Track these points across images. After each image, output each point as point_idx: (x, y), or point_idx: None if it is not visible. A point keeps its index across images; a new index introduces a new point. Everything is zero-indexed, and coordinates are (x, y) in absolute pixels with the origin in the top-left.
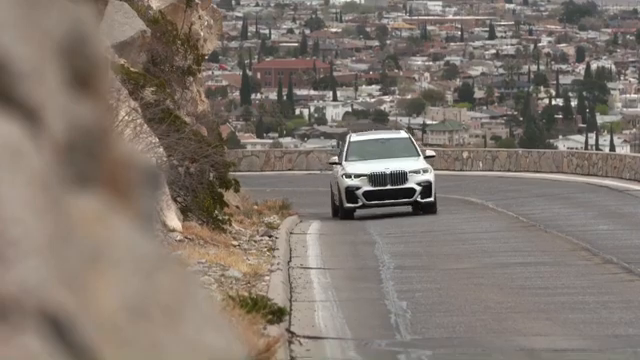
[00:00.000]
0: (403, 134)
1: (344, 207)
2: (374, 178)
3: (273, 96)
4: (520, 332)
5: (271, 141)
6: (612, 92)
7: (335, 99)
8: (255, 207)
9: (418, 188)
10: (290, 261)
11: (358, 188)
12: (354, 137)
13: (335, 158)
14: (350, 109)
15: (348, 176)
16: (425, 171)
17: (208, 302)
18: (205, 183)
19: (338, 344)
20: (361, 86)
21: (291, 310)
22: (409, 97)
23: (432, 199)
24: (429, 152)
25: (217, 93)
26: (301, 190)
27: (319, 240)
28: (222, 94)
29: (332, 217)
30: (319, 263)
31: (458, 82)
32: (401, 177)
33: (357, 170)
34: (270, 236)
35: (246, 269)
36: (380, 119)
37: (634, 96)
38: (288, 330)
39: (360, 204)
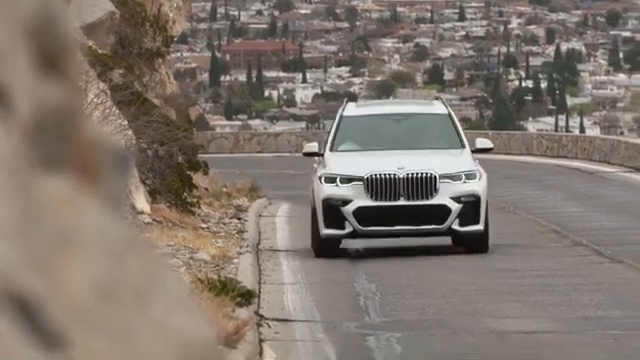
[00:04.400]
0: (438, 107)
1: (320, 235)
2: (376, 185)
3: (242, 78)
4: (490, 314)
5: (240, 123)
6: (582, 74)
7: (304, 81)
8: (224, 189)
9: (455, 206)
10: (259, 244)
11: (346, 202)
12: (351, 109)
13: (313, 145)
14: (320, 91)
15: (330, 179)
16: (471, 176)
17: (177, 285)
18: (174, 165)
19: (307, 327)
20: (330, 68)
21: (260, 293)
22: (379, 79)
23: (480, 227)
24: (482, 142)
25: (186, 75)
26: (270, 172)
27: (288, 223)
28: (191, 76)
29: (312, 249)
30: (288, 245)
31: (428, 64)
32: (426, 185)
33: (346, 169)
34: (239, 219)
35: (215, 252)
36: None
37: (604, 78)
38: (257, 313)
39: (348, 231)
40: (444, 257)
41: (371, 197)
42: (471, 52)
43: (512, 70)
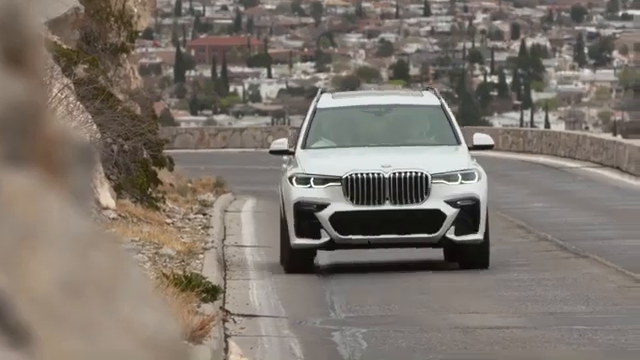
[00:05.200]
0: (429, 98)
1: (291, 245)
2: (356, 186)
3: (207, 73)
4: (456, 310)
5: (205, 118)
6: (547, 69)
7: (270, 76)
8: (189, 185)
9: (450, 211)
10: (224, 239)
11: (321, 207)
12: (326, 100)
13: (281, 142)
14: (285, 86)
15: (302, 180)
16: (469, 176)
17: (142, 280)
18: (139, 161)
19: (273, 322)
20: (296, 63)
21: (225, 288)
22: (344, 74)
23: (479, 236)
24: (481, 137)
25: (151, 70)
26: (235, 168)
27: (254, 218)
28: (156, 71)
29: (281, 263)
30: (254, 241)
31: (393, 59)
32: (416, 186)
33: (321, 168)
34: (204, 214)
35: (180, 247)
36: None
37: (569, 73)
38: (222, 308)
39: (324, 241)
40: (409, 250)
41: (351, 201)
42: (436, 47)
43: (477, 65)
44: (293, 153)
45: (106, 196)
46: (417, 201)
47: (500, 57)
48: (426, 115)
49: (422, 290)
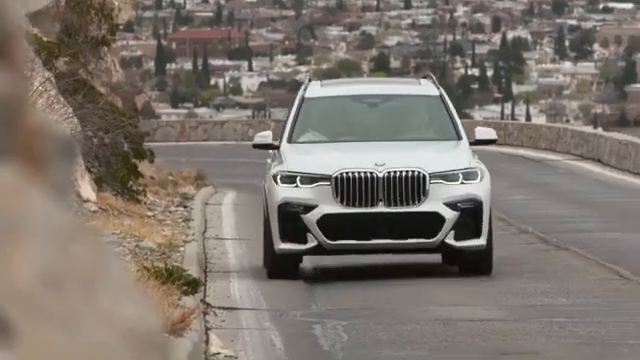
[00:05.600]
0: (427, 87)
1: (275, 250)
2: (347, 186)
3: (188, 66)
4: (436, 302)
5: (186, 111)
6: (528, 62)
7: (250, 69)
8: (170, 178)
9: (450, 214)
10: (205, 232)
11: (308, 208)
12: (315, 89)
13: (265, 135)
14: (266, 79)
15: (288, 179)
16: (471, 176)
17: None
18: (119, 154)
19: (253, 315)
20: (277, 56)
21: (206, 281)
22: (325, 67)
23: (481, 241)
24: (484, 132)
25: (132, 63)
26: (216, 161)
27: (234, 211)
28: (137, 64)
29: (264, 268)
30: (234, 234)
31: (374, 52)
32: (412, 187)
33: (309, 165)
34: (185, 207)
35: (161, 240)
36: (297, 89)
37: (550, 66)
38: (203, 301)
39: (311, 246)
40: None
41: (341, 202)
42: (417, 40)
43: (458, 58)
44: (278, 147)
45: (87, 189)
46: (413, 203)
47: (481, 50)
48: (424, 106)
49: (403, 282)
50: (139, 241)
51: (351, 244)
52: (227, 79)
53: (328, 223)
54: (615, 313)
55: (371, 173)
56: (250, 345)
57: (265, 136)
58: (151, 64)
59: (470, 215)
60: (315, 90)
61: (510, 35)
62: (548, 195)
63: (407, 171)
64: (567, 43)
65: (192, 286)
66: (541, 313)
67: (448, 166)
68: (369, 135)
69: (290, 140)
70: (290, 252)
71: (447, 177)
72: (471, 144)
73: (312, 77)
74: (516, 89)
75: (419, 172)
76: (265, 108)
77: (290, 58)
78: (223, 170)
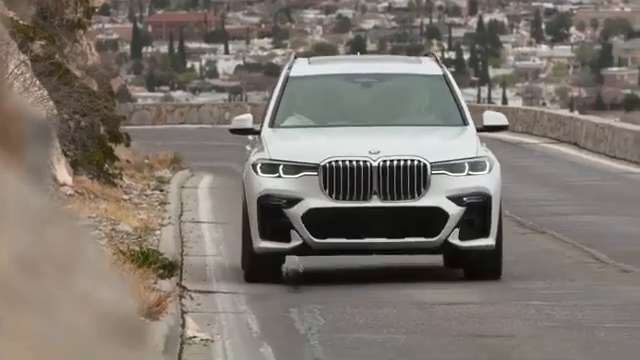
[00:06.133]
0: (429, 66)
1: (254, 249)
2: (337, 177)
3: (164, 49)
4: (413, 286)
5: (162, 95)
6: (504, 45)
7: (227, 52)
8: (146, 161)
9: (455, 210)
10: (181, 215)
11: (293, 202)
12: (301, 67)
13: (244, 119)
14: (242, 62)
15: (270, 168)
16: (478, 166)
17: (99, 257)
18: (95, 137)
19: (230, 298)
20: (253, 39)
21: (182, 264)
22: (301, 50)
23: (489, 241)
24: (493, 116)
25: (108, 46)
26: (193, 144)
27: (210, 194)
28: (113, 47)
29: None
30: (211, 217)
31: (350, 35)
32: (411, 178)
33: (293, 153)
34: (161, 190)
35: (137, 223)
36: (273, 72)
37: (526, 49)
38: (179, 284)
39: (295, 244)
40: None
41: (330, 195)
42: (394, 23)
43: (435, 42)
44: (258, 133)
45: (63, 172)
46: (412, 197)
47: (457, 33)
48: (425, 87)
49: (381, 268)
50: (115, 225)
51: (341, 243)
52: (203, 62)
53: (315, 219)
54: (591, 296)
55: (364, 162)
56: (226, 328)
57: (244, 120)
58: (127, 47)
59: (477, 211)
60: (301, 68)
61: (487, 18)
62: (524, 178)
63: (405, 160)
64: (544, 26)
65: (168, 269)
66: (517, 296)
67: (452, 155)
68: (362, 119)
69: (272, 124)
70: (271, 251)
71: (451, 167)
72: (479, 130)
73: (297, 54)
74: (492, 72)
75: (419, 161)
76: (241, 91)
77: (266, 41)
78: (199, 153)
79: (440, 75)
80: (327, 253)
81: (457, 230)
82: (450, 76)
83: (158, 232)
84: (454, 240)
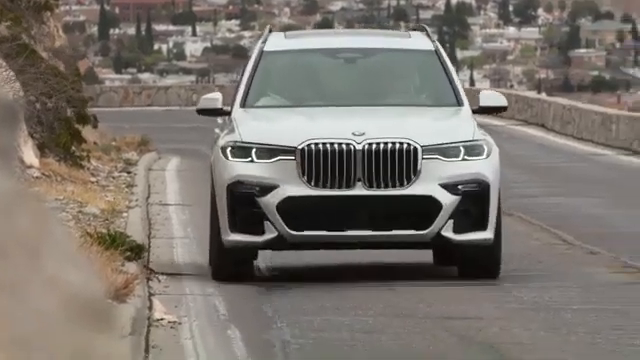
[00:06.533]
0: (419, 40)
1: (223, 242)
2: (316, 161)
3: (131, 31)
4: (382, 269)
5: (129, 77)
6: (472, 27)
7: (194, 34)
8: (113, 143)
9: (448, 199)
10: (149, 197)
11: (267, 189)
12: (277, 40)
13: (213, 98)
14: (209, 44)
15: (240, 151)
16: (475, 150)
17: (66, 239)
18: (62, 119)
19: (197, 280)
20: (220, 21)
21: (150, 247)
22: None
23: (487, 234)
24: (490, 96)
25: (75, 28)
26: (160, 126)
27: (178, 176)
28: (80, 29)
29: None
30: (178, 199)
31: (318, 17)
32: (400, 163)
33: (268, 135)
34: (129, 172)
35: (104, 206)
36: (241, 54)
37: (494, 31)
38: (146, 267)
39: (269, 237)
40: None
41: (308, 182)
42: (361, 5)
43: (402, 23)
44: (229, 113)
45: (30, 155)
46: (401, 184)
47: (425, 15)
48: (415, 63)
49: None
50: (82, 207)
51: (320, 236)
52: (171, 44)
53: (291, 209)
54: (558, 278)
55: (347, 145)
56: (194, 311)
57: (213, 99)
58: (94, 29)
59: (474, 200)
60: (277, 42)
61: (454, 0)
62: None
63: (393, 143)
64: (511, 8)
65: (135, 252)
66: (485, 278)
67: (446, 137)
68: (345, 99)
69: (244, 104)
70: (242, 245)
71: (445, 151)
72: (474, 112)
73: (273, 28)
74: (460, 54)
75: (409, 144)
76: (209, 74)
77: (234, 23)
78: (167, 136)
79: (431, 50)
80: (305, 247)
81: (451, 222)
82: (443, 51)
83: (125, 214)
84: (447, 233)
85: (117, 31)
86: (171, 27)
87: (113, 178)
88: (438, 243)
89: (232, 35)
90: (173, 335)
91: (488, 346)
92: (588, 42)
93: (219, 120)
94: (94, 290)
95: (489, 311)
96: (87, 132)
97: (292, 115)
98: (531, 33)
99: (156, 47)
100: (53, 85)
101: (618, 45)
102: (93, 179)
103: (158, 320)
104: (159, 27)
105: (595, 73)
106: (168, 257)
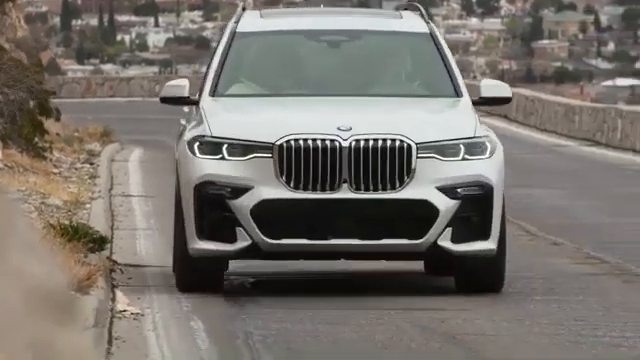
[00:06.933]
0: (412, 21)
1: (188, 251)
2: (297, 160)
3: (94, 22)
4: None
5: (92, 68)
6: (435, 18)
7: (157, 25)
8: (76, 134)
9: (447, 204)
10: (112, 189)
11: (240, 191)
12: (251, 20)
13: (179, 84)
14: (172, 35)
15: (210, 147)
16: (477, 148)
17: (29, 231)
18: (25, 110)
19: (160, 272)
20: (183, 12)
21: (112, 238)
22: None
23: (490, 244)
24: (493, 86)
25: (37, 19)
26: (123, 117)
27: (141, 167)
28: (42, 20)
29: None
30: (141, 191)
31: (281, 7)
32: (392, 163)
33: (241, 129)
34: (91, 164)
35: (67, 197)
36: (203, 45)
37: (457, 22)
38: (109, 258)
39: (243, 246)
40: None
41: (287, 183)
42: None
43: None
44: (197, 103)
45: None
46: (393, 187)
47: (388, 7)
48: (407, 48)
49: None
50: (45, 198)
51: (300, 245)
52: (133, 35)
53: (268, 213)
54: (522, 269)
55: (332, 141)
56: (157, 302)
57: (178, 86)
58: (57, 20)
59: (475, 206)
60: (251, 22)
61: None
62: None
63: (384, 139)
64: None
65: (98, 243)
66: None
67: (444, 133)
68: (329, 88)
69: (214, 93)
70: (211, 254)
71: (442, 149)
72: (475, 103)
73: (247, 5)
74: None
75: (401, 141)
76: (172, 65)
77: (197, 14)
78: (129, 127)
79: (426, 33)
80: (283, 257)
81: (449, 230)
82: (439, 34)
83: (88, 206)
84: (445, 243)
85: (79, 22)
86: (134, 18)
87: (76, 169)
88: (434, 254)
89: (195, 26)
90: (136, 327)
91: (451, 337)
92: (551, 33)
93: (185, 109)
94: (57, 282)
95: (452, 302)
96: (50, 123)
97: (269, 106)
98: (494, 24)
99: (119, 38)
100: (15, 76)
101: (581, 36)
102: (56, 170)
103: (121, 312)
104: (122, 18)
105: (558, 64)
106: (131, 249)
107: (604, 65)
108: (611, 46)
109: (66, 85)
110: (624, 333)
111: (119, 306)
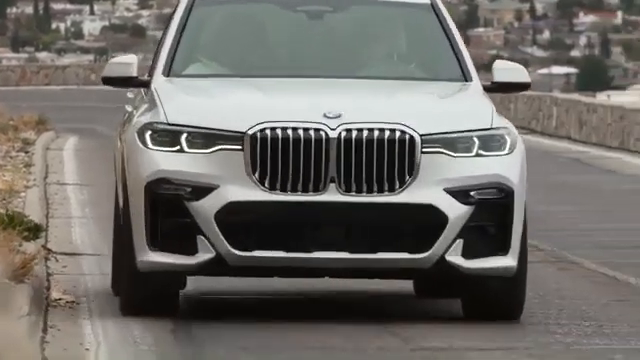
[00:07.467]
0: None
1: (136, 264)
2: (272, 153)
3: (29, 10)
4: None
5: (27, 56)
6: None
7: (92, 13)
8: (11, 122)
9: (458, 210)
10: (46, 177)
11: (202, 191)
12: None
13: (126, 62)
14: (108, 23)
15: (165, 137)
16: (493, 142)
17: None
18: None
19: (95, 260)
20: (119, 0)
21: (48, 227)
22: (167, 11)
23: (509, 261)
24: (508, 70)
25: None
26: (58, 105)
27: (76, 156)
28: None
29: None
30: (76, 179)
31: None
32: (390, 158)
33: (203, 115)
34: (26, 152)
35: (1, 185)
36: (139, 33)
37: None
38: (44, 247)
39: (205, 259)
40: None
41: (261, 182)
42: None
43: None
44: (147, 85)
45: None
46: (392, 188)
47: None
48: (405, 22)
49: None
50: None
51: (276, 259)
52: (69, 23)
53: (236, 219)
54: None
55: (317, 131)
56: (92, 291)
57: (125, 63)
58: None
59: (492, 213)
60: None
61: None
62: None
63: (381, 129)
64: None
65: (33, 232)
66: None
67: (454, 124)
68: (310, 68)
69: (169, 72)
70: (165, 269)
71: (452, 143)
72: (487, 90)
73: None
74: None
75: (402, 132)
76: (107, 52)
77: (132, 2)
78: (65, 115)
79: (427, 4)
80: (254, 273)
81: (460, 242)
82: (442, 6)
83: (23, 194)
84: (454, 258)
85: (14, 10)
86: (69, 6)
87: (10, 158)
88: (441, 271)
89: (130, 14)
90: (71, 315)
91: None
92: (486, 21)
93: (129, 95)
94: None
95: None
96: None
97: (238, 88)
98: None
99: (54, 26)
100: None
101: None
102: None
103: (56, 300)
104: (57, 6)
105: (494, 52)
106: (66, 237)
107: (539, 53)
108: (546, 34)
109: (1, 73)
110: (559, 320)
111: (54, 295)
